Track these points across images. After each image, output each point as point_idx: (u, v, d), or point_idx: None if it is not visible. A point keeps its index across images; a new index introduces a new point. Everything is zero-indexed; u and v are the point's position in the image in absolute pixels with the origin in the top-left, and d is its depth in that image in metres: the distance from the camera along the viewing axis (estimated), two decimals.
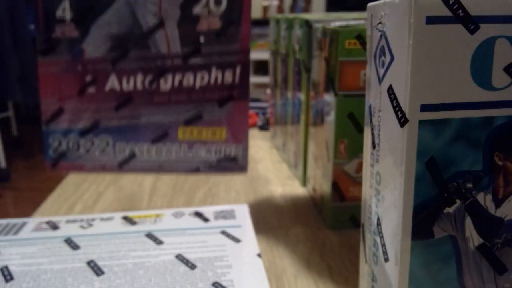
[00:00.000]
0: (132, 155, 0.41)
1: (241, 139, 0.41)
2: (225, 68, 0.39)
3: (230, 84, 0.39)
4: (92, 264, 0.33)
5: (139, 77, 0.39)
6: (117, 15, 0.38)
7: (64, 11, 0.39)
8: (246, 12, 0.38)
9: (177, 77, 0.39)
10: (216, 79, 0.39)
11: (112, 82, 0.39)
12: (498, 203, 0.23)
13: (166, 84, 0.39)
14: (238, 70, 0.39)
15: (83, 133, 0.41)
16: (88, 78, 0.40)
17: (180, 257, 0.34)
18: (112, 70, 0.39)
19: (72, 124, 0.41)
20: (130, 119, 0.41)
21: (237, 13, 0.38)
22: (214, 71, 0.39)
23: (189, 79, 0.39)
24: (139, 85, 0.39)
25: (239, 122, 0.41)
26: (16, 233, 0.38)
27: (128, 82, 0.39)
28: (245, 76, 0.40)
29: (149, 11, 0.38)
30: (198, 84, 0.39)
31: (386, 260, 0.25)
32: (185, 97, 0.40)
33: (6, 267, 0.33)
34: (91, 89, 0.40)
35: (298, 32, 0.52)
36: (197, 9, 0.38)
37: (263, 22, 3.05)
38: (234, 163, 0.42)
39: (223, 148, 0.41)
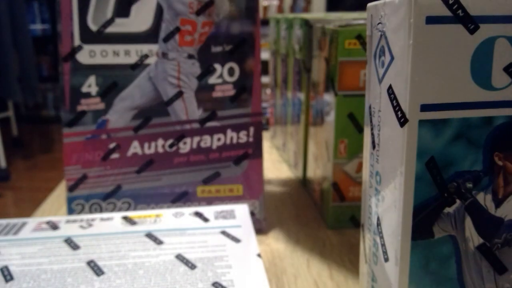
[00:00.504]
0: None
1: (257, 194, 0.43)
2: (239, 129, 0.42)
3: (245, 144, 0.42)
4: (92, 264, 0.33)
5: (160, 142, 0.41)
6: (140, 89, 0.41)
7: (90, 87, 0.41)
8: (256, 80, 0.41)
9: (195, 140, 0.41)
10: (231, 139, 0.42)
11: (134, 148, 0.41)
12: (498, 203, 0.24)
13: (185, 146, 0.41)
14: (251, 131, 0.42)
15: (106, 197, 0.42)
16: (112, 145, 0.41)
17: (180, 257, 0.34)
18: (134, 137, 0.41)
19: (95, 189, 0.42)
20: (151, 181, 0.42)
21: (249, 81, 0.41)
22: (229, 132, 0.41)
23: (206, 141, 0.41)
24: (160, 149, 0.41)
25: (255, 178, 0.42)
26: (16, 233, 0.38)
27: (149, 147, 0.41)
28: (258, 136, 0.42)
29: (169, 84, 0.41)
30: (215, 145, 0.42)
31: (386, 260, 0.25)
32: (203, 157, 0.42)
33: (6, 267, 0.33)
34: (114, 155, 0.41)
35: (298, 32, 0.52)
36: (213, 80, 0.41)
37: (263, 22, 3.05)
38: (252, 218, 0.43)
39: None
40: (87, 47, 0.40)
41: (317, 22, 0.46)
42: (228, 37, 0.40)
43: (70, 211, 0.42)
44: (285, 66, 0.59)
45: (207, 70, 0.41)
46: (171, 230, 0.38)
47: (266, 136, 0.77)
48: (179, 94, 0.41)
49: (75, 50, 0.40)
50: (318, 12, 3.25)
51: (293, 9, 3.27)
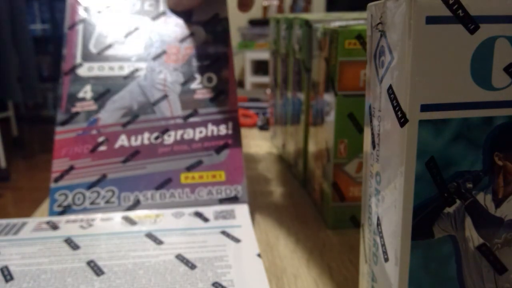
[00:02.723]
0: (137, 203, 0.43)
1: (239, 180, 0.45)
2: (219, 123, 0.47)
3: (224, 135, 0.46)
4: (92, 264, 0.33)
5: (146, 135, 0.45)
6: (130, 93, 0.46)
7: (86, 93, 0.46)
8: (232, 85, 0.48)
9: (179, 133, 0.46)
10: (212, 132, 0.46)
11: (122, 141, 0.45)
12: (498, 203, 0.24)
13: (169, 138, 0.46)
14: (230, 125, 0.47)
15: (90, 186, 0.44)
16: (101, 139, 0.44)
17: (180, 257, 0.34)
18: (122, 131, 0.45)
19: (80, 179, 0.44)
20: (136, 170, 0.44)
21: (225, 86, 0.48)
22: (210, 126, 0.46)
23: (189, 134, 0.46)
24: (145, 141, 0.45)
25: (236, 165, 0.46)
26: (16, 233, 0.38)
27: (136, 139, 0.45)
28: (236, 129, 0.47)
29: (156, 89, 0.47)
30: (197, 137, 0.46)
31: (386, 260, 0.25)
32: (186, 147, 0.45)
33: (6, 267, 0.33)
34: (102, 148, 0.44)
35: (298, 32, 0.52)
36: (194, 85, 0.47)
37: (263, 22, 3.05)
38: (236, 202, 0.45)
39: (224, 188, 0.45)
40: (86, 64, 0.47)
41: (317, 22, 0.46)
42: (206, 55, 0.48)
43: (53, 202, 0.43)
44: (285, 66, 0.59)
45: (189, 79, 0.47)
46: (171, 230, 0.38)
47: (266, 136, 0.77)
48: (165, 97, 0.47)
49: (76, 66, 0.47)
50: (318, 12, 3.25)
51: (293, 9, 3.27)
